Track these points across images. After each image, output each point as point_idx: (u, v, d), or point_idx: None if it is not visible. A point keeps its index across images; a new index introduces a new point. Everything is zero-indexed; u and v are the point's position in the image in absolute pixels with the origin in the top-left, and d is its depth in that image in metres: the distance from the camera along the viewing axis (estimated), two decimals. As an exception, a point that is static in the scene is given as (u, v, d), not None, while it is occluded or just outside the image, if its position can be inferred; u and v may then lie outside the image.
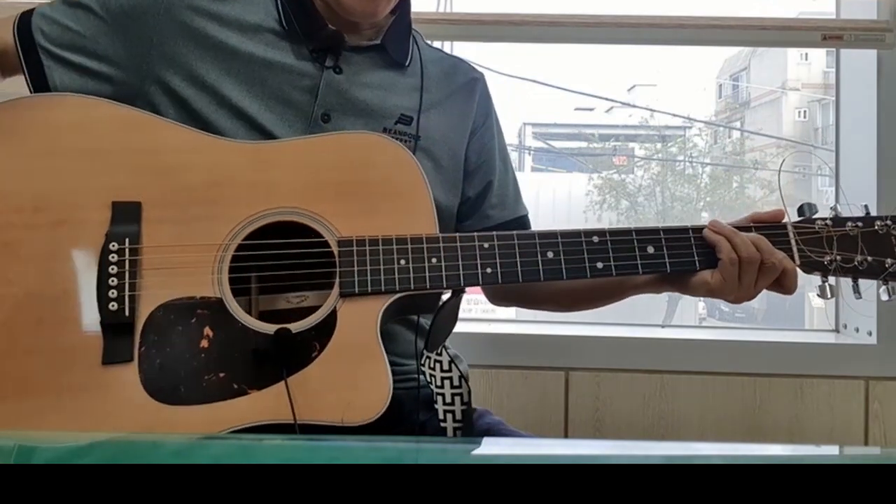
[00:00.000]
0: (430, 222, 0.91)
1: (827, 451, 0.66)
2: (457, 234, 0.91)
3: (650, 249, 0.93)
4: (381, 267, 0.88)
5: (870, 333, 1.54)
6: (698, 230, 0.94)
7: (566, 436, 1.52)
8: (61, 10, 0.99)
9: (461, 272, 0.90)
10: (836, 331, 1.65)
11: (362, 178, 0.92)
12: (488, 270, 0.90)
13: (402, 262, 0.88)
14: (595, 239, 0.92)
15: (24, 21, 0.98)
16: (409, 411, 0.98)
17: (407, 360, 1.01)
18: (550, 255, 0.91)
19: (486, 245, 0.91)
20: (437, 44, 1.35)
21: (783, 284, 0.93)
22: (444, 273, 0.89)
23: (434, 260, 0.89)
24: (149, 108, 0.98)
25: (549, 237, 0.92)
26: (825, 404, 1.50)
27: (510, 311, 2.19)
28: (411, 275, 0.88)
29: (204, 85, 0.98)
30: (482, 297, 1.23)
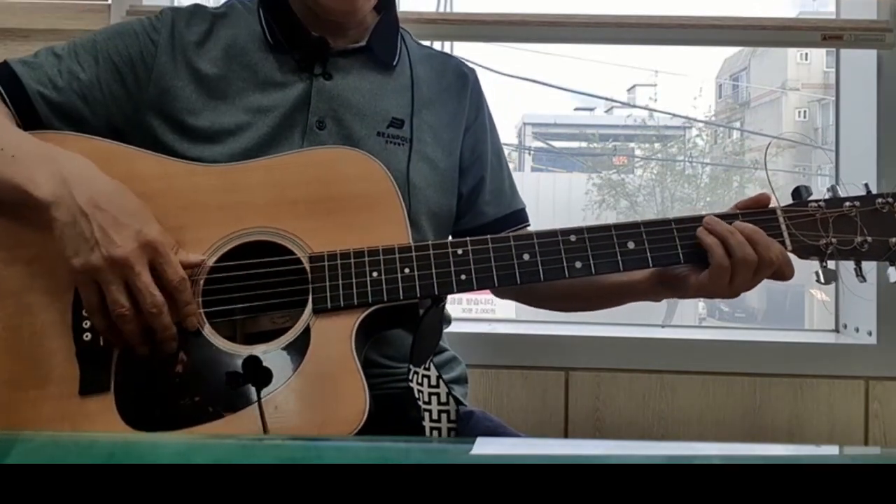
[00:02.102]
0: (403, 232, 0.90)
1: (827, 451, 0.66)
2: (429, 243, 0.89)
3: (630, 245, 0.89)
4: (353, 280, 0.87)
5: (870, 333, 1.54)
6: (681, 222, 0.91)
7: (566, 436, 1.52)
8: (51, 62, 0.98)
9: (435, 280, 0.87)
10: (836, 331, 1.65)
11: (332, 192, 0.91)
12: (463, 277, 0.88)
13: (375, 274, 0.87)
14: (572, 238, 0.89)
15: (10, 75, 0.96)
16: (406, 411, 0.98)
17: (402, 363, 1.01)
18: (526, 257, 0.89)
19: (459, 251, 0.89)
20: (437, 44, 1.35)
21: (780, 274, 0.90)
22: (417, 283, 0.87)
23: (407, 270, 0.87)
24: (146, 138, 0.99)
25: (524, 239, 0.90)
26: (825, 404, 1.50)
27: (510, 311, 2.20)
28: (384, 286, 0.87)
29: (199, 114, 0.99)
30: (482, 297, 1.23)
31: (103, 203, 0.84)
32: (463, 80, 1.14)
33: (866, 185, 0.93)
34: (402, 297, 0.87)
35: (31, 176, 0.85)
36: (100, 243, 0.82)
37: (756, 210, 0.92)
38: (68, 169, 0.86)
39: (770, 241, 0.89)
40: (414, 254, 0.88)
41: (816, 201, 0.91)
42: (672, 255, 0.90)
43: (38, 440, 0.52)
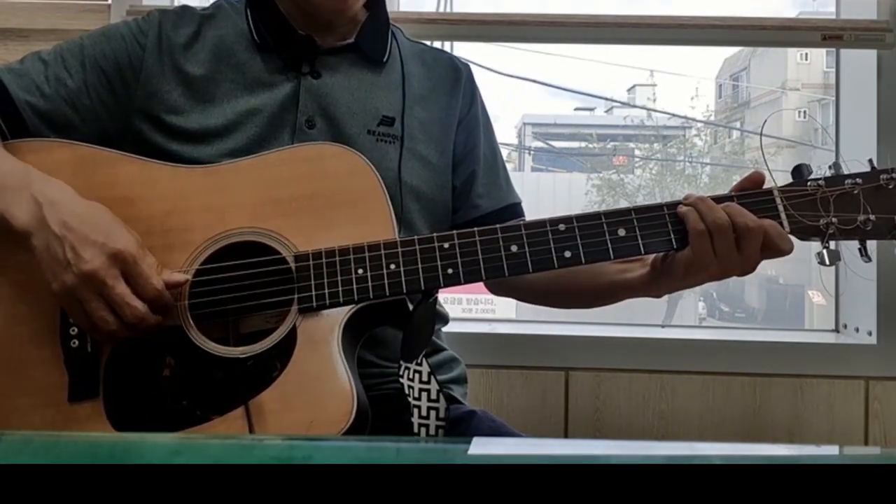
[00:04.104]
0: (389, 227, 0.88)
1: (827, 451, 0.66)
2: (415, 237, 0.88)
3: (621, 232, 0.87)
4: (339, 278, 0.85)
5: (870, 333, 1.54)
6: (673, 206, 0.88)
7: (566, 436, 1.52)
8: (37, 69, 0.98)
9: (421, 275, 0.86)
10: (836, 331, 1.65)
11: (316, 189, 0.90)
12: (449, 271, 0.86)
13: (360, 271, 0.86)
14: (561, 227, 0.87)
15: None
16: (400, 411, 0.98)
17: (398, 363, 1.00)
18: (514, 248, 0.86)
19: (446, 245, 0.87)
20: (437, 44, 1.35)
21: (773, 247, 0.85)
22: (403, 278, 0.86)
23: (393, 266, 0.86)
24: (135, 142, 0.98)
25: (512, 230, 0.87)
26: (825, 404, 1.50)
27: (510, 311, 2.20)
28: (369, 283, 0.85)
29: (188, 116, 0.98)
30: (482, 297, 1.23)
31: (74, 223, 0.83)
32: (456, 75, 1.13)
33: (870, 160, 0.89)
34: (388, 294, 0.86)
35: (7, 206, 0.85)
36: (71, 263, 0.82)
37: (752, 192, 0.89)
38: (41, 194, 0.85)
39: (743, 210, 0.86)
40: (399, 249, 0.87)
41: (816, 180, 0.87)
42: (664, 241, 0.87)
43: (22, 438, 0.52)
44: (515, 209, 1.14)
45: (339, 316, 0.85)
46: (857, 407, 1.49)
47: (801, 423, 1.50)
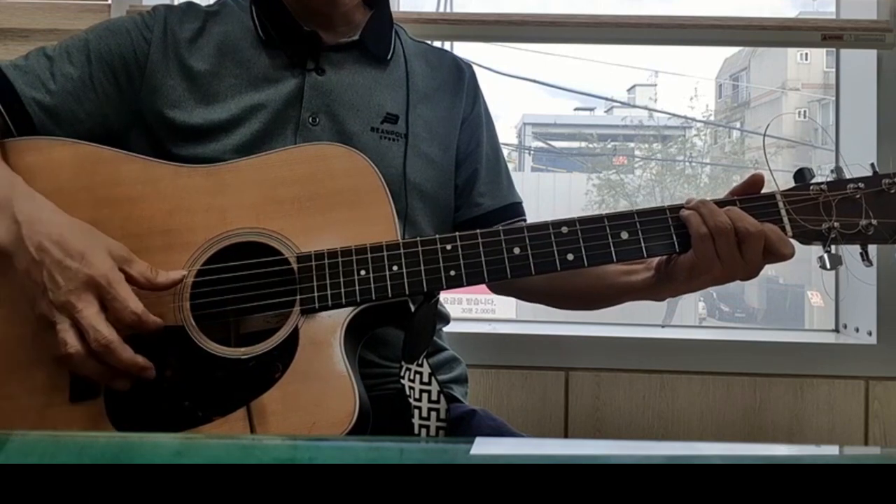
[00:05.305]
0: (391, 228, 0.88)
1: (827, 451, 0.66)
2: (418, 239, 0.88)
3: (624, 235, 0.87)
4: (341, 279, 0.85)
5: (870, 333, 1.54)
6: (675, 209, 0.88)
7: (566, 436, 1.52)
8: (43, 65, 0.98)
9: (423, 277, 0.86)
10: (836, 331, 1.66)
11: (319, 190, 0.90)
12: (452, 273, 0.86)
13: (363, 272, 0.86)
14: (564, 230, 0.87)
15: (2, 80, 0.96)
16: (402, 411, 0.98)
17: (399, 363, 1.00)
18: (517, 250, 0.86)
19: (448, 247, 0.87)
20: (437, 44, 1.35)
21: (773, 251, 0.86)
22: (405, 280, 0.86)
23: (395, 267, 0.86)
24: (139, 137, 0.99)
25: (514, 233, 0.87)
26: (825, 404, 1.50)
27: (510, 311, 2.20)
28: (372, 284, 0.85)
29: (192, 112, 0.98)
30: (483, 297, 1.23)
31: (49, 246, 0.81)
32: (459, 75, 1.14)
33: (872, 164, 0.89)
34: (390, 295, 0.86)
35: None
36: (47, 288, 0.80)
37: (755, 196, 0.89)
38: (21, 213, 0.84)
39: (743, 214, 0.86)
40: (402, 251, 0.87)
41: (818, 184, 0.87)
42: (667, 245, 0.88)
43: (24, 439, 0.52)
44: (516, 208, 1.15)
45: (341, 317, 0.85)
46: (857, 407, 1.50)
47: (801, 423, 1.50)
